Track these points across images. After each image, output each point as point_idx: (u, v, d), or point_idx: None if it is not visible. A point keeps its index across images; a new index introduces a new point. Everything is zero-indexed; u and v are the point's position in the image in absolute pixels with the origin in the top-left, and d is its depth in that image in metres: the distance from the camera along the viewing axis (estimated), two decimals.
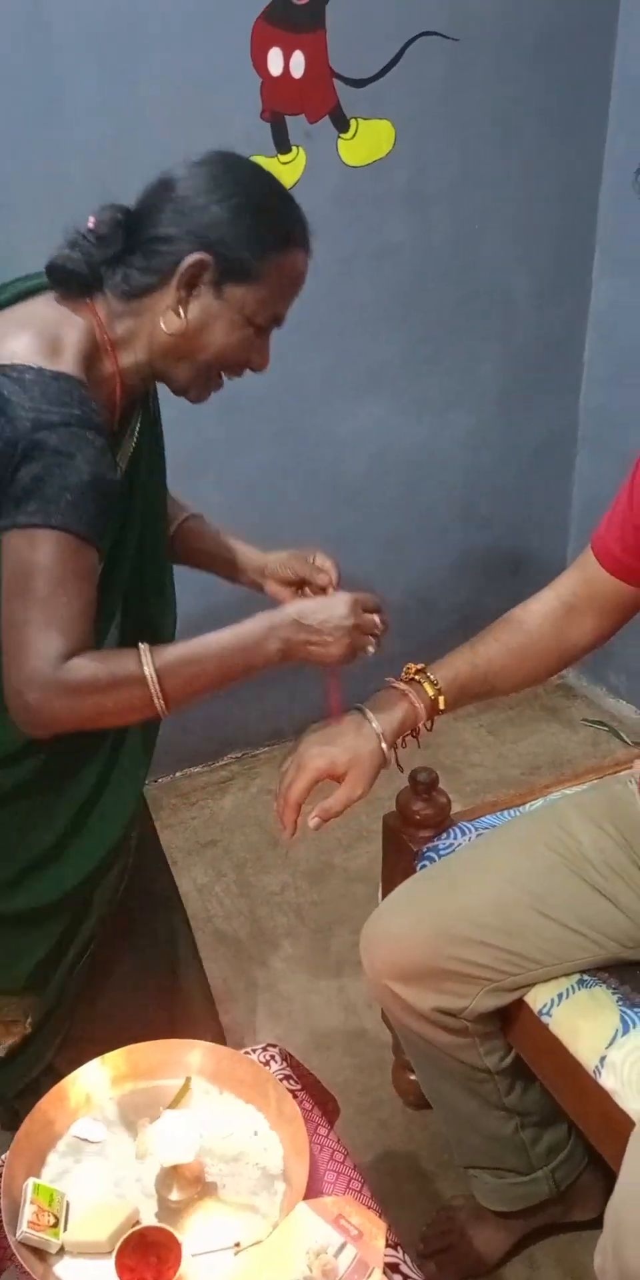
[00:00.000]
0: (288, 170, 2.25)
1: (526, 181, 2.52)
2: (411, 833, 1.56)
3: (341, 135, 2.27)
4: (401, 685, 1.32)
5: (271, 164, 2.23)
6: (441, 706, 1.32)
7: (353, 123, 2.27)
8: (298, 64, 2.18)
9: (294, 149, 2.24)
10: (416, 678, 1.32)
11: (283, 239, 1.24)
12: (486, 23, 2.32)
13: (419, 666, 1.34)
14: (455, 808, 1.62)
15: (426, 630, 2.80)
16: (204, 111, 2.14)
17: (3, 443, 1.12)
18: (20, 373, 1.13)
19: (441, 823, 1.56)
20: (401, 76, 2.28)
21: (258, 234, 1.22)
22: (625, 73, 2.48)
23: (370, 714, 1.29)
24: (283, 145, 2.23)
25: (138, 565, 1.37)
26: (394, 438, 2.61)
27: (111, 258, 1.24)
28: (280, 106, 2.20)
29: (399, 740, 1.30)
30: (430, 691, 1.31)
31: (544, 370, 2.74)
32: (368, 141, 2.29)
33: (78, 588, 1.14)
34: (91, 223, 1.26)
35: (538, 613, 1.38)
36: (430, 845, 1.54)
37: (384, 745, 1.27)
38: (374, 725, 1.27)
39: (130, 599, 1.38)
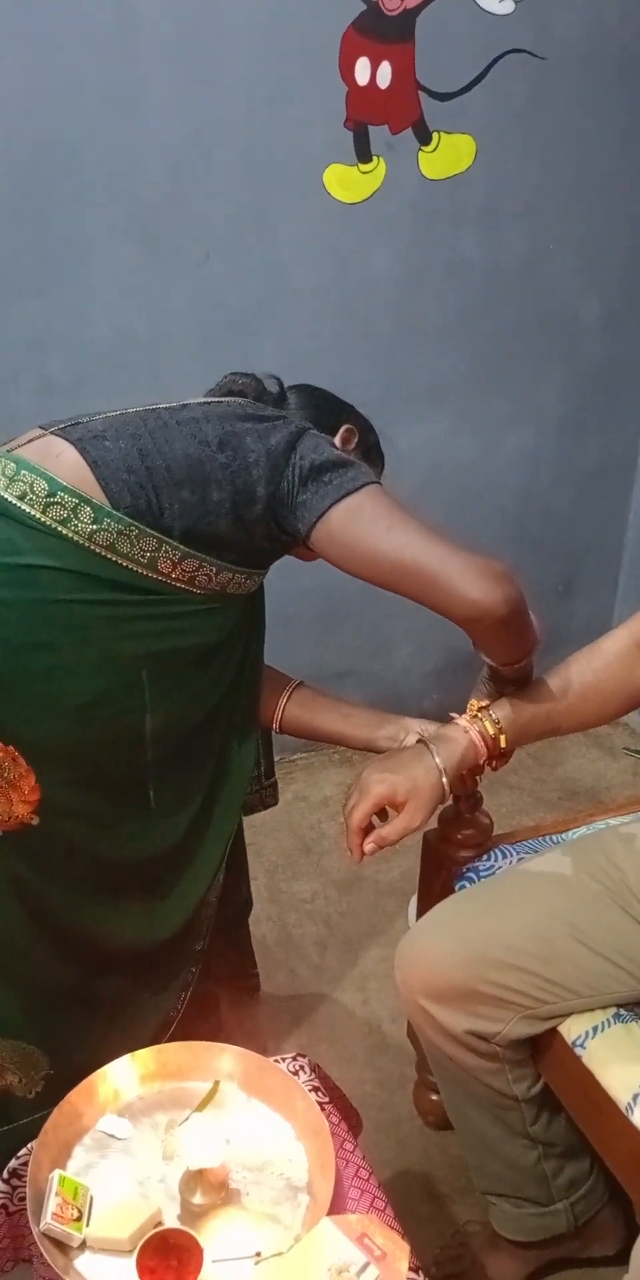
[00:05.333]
0: (367, 180, 2.25)
1: (603, 204, 2.50)
2: (452, 851, 1.55)
3: (422, 148, 2.26)
4: (464, 722, 1.33)
5: (351, 172, 2.24)
6: (503, 745, 1.32)
7: (435, 135, 2.26)
8: (384, 74, 2.17)
9: (374, 159, 2.24)
10: (479, 715, 1.33)
11: None
12: (574, 43, 2.30)
13: (482, 704, 1.34)
14: (493, 829, 1.60)
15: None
16: (285, 116, 2.15)
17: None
18: None
19: (483, 844, 1.55)
20: (486, 92, 2.26)
21: None
22: None
23: (433, 747, 1.30)
24: (364, 154, 2.23)
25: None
26: (451, 454, 2.60)
27: None
28: (364, 116, 2.20)
29: (460, 775, 1.31)
30: (491, 730, 1.32)
31: (606, 395, 2.71)
32: (448, 155, 2.29)
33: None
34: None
35: (608, 651, 1.37)
36: (470, 865, 1.53)
37: (444, 780, 1.27)
38: (436, 759, 1.28)
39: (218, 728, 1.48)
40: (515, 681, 1.35)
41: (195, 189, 2.15)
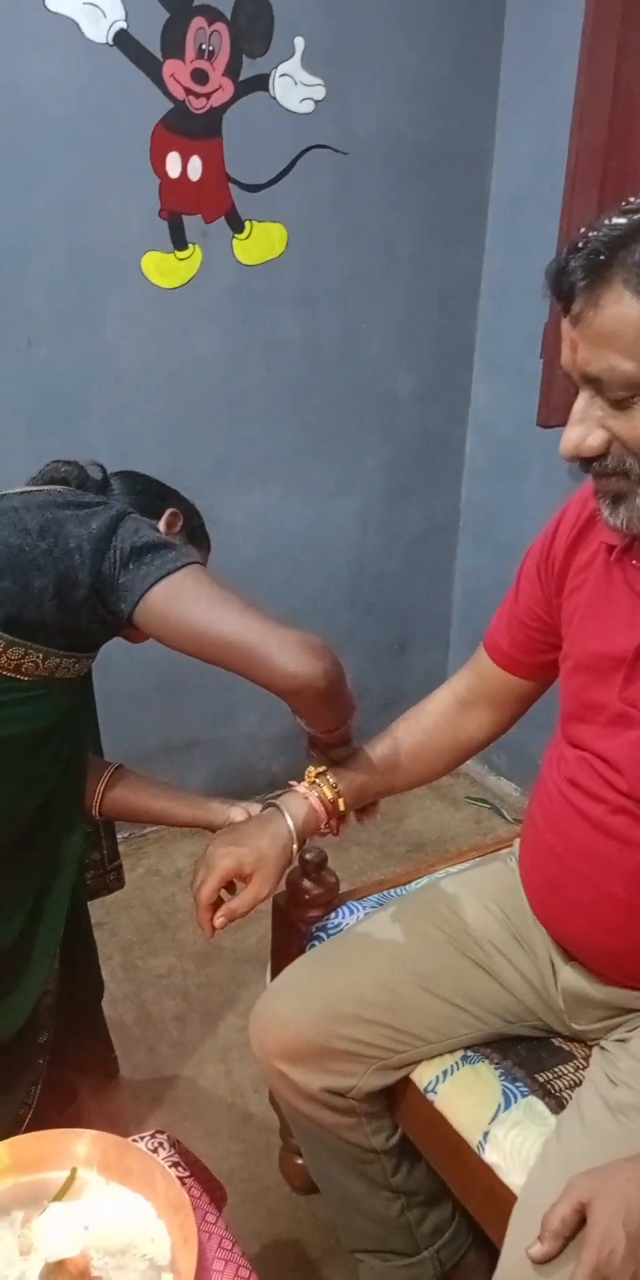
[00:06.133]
0: (184, 266, 2.32)
1: (411, 288, 2.65)
2: (301, 912, 1.58)
3: (236, 235, 2.36)
4: (303, 789, 1.37)
5: (168, 259, 2.30)
6: (342, 808, 1.37)
7: (247, 224, 2.36)
8: (195, 168, 2.26)
9: (190, 246, 2.31)
10: (317, 781, 1.37)
11: None
12: (373, 140, 2.46)
13: (320, 770, 1.38)
14: (342, 886, 1.65)
15: None
16: (105, 208, 2.20)
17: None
18: None
19: (330, 902, 1.59)
20: (294, 184, 2.38)
21: None
22: (500, 193, 2.65)
23: (275, 817, 1.33)
24: (179, 243, 2.30)
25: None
26: (283, 524, 2.68)
27: None
28: (178, 206, 2.28)
29: (303, 841, 1.34)
30: (330, 794, 1.36)
31: (426, 463, 2.85)
32: (261, 242, 2.39)
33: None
34: None
35: (434, 711, 1.44)
36: (319, 925, 1.56)
37: (288, 846, 1.30)
38: (278, 827, 1.31)
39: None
40: (334, 747, 1.40)
41: (17, 277, 2.17)
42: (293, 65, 2.30)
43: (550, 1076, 1.29)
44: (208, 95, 2.23)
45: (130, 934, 2.38)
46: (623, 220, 0.96)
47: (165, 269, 2.30)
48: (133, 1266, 1.09)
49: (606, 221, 0.97)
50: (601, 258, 0.95)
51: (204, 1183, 1.27)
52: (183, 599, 1.26)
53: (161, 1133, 1.28)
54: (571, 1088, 1.26)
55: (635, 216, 0.96)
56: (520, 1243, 1.03)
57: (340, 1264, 1.64)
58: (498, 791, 2.96)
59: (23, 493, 1.38)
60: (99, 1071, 1.87)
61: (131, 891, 2.50)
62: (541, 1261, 0.99)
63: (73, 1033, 1.73)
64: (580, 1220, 0.98)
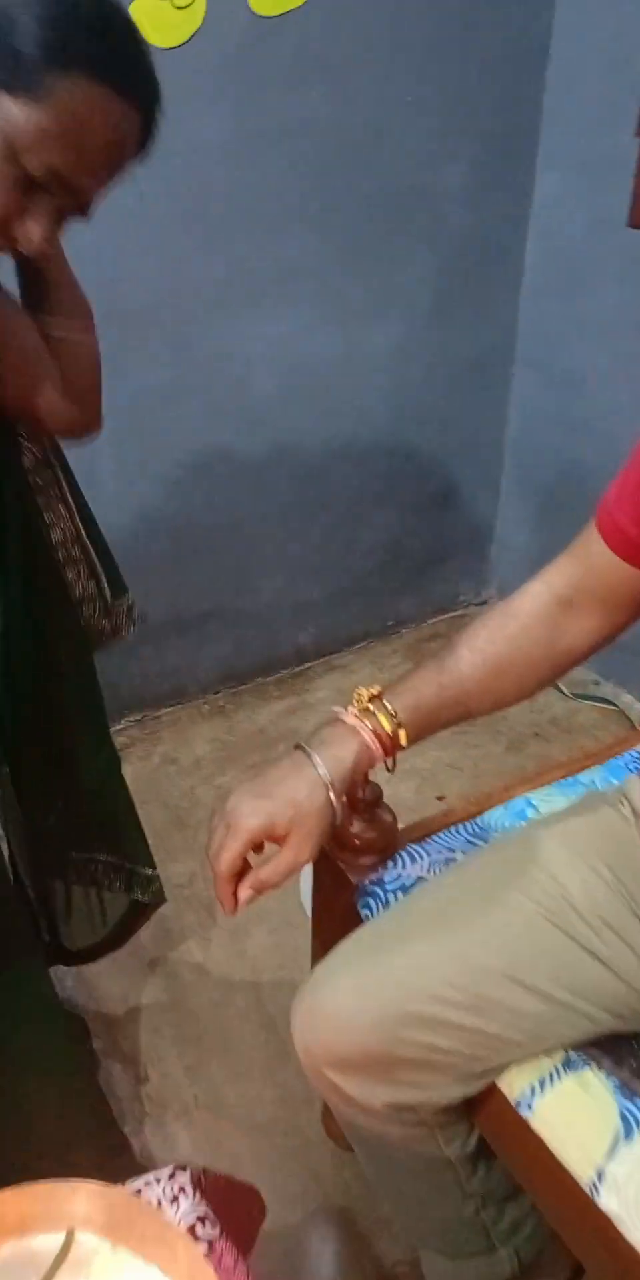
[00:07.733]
0: (184, 18, 1.88)
1: (462, 52, 2.20)
2: (350, 861, 1.28)
3: None
4: (352, 718, 1.04)
5: (163, 9, 1.86)
6: (403, 742, 1.05)
7: None
8: None
9: None
10: (370, 706, 1.05)
11: (92, 61, 0.91)
12: None
13: (374, 692, 1.06)
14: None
15: (348, 572, 2.57)
16: None
17: None
18: None
19: (386, 848, 1.28)
20: None
21: (57, 36, 0.89)
22: None
23: (315, 756, 1.02)
24: None
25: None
26: (308, 353, 2.34)
27: None
28: None
29: (354, 788, 1.05)
30: (387, 726, 1.04)
31: (478, 277, 2.48)
32: None
33: None
34: None
35: (526, 612, 1.10)
36: (374, 878, 1.26)
37: (332, 795, 1.00)
38: (319, 770, 1.01)
39: None
40: None
41: None
42: None
43: None
44: None
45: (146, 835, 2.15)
46: None
47: (160, 21, 1.86)
48: None
49: None
50: None
51: (238, 1213, 1.03)
52: None
53: (183, 1169, 1.02)
54: None
55: None
56: None
57: (396, 1236, 1.45)
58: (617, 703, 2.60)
59: None
60: None
61: (146, 784, 2.27)
62: None
63: None
64: None
